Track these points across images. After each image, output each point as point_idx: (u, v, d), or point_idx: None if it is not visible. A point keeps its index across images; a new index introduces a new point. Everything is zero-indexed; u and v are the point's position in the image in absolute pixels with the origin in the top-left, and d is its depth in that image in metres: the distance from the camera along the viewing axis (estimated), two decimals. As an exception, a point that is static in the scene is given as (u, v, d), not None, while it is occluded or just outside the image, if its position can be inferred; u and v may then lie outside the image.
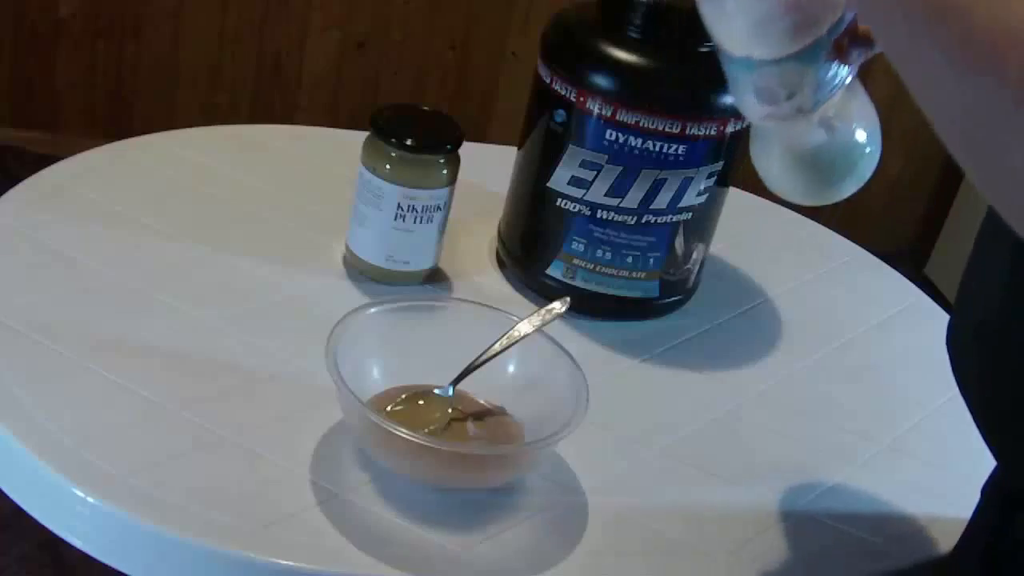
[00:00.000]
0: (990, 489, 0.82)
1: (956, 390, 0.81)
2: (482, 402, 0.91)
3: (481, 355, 0.90)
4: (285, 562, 0.78)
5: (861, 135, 0.89)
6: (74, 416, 0.86)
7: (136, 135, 1.26)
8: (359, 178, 1.05)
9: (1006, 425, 0.77)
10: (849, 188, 0.91)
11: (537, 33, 1.09)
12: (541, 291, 1.10)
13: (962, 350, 0.80)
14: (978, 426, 0.78)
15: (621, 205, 1.04)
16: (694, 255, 1.10)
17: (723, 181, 1.08)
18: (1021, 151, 0.51)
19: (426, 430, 0.86)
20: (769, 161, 0.91)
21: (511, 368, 0.92)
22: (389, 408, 0.88)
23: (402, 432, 0.80)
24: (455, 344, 0.92)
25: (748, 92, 0.85)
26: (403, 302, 0.95)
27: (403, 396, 0.90)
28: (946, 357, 0.84)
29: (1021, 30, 0.49)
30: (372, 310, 0.92)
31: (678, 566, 0.86)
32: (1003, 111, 0.50)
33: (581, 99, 1.02)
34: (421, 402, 0.90)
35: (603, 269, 1.07)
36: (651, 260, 1.08)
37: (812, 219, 1.41)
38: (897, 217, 3.12)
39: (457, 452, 0.84)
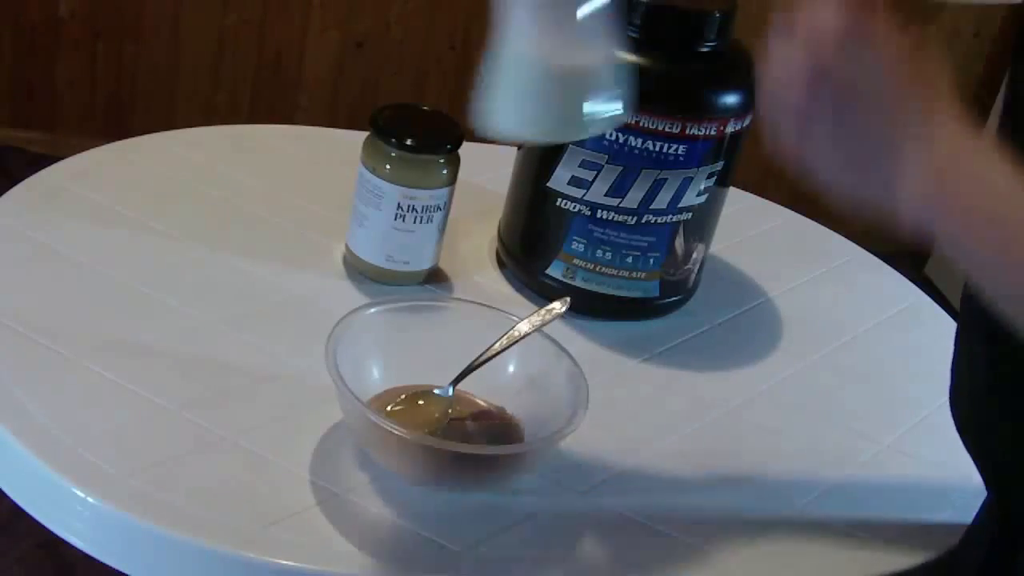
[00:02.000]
0: (985, 512, 0.83)
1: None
2: (482, 402, 0.91)
3: (481, 355, 0.90)
4: (285, 562, 0.78)
5: (608, 72, 0.84)
6: (74, 416, 0.86)
7: (136, 135, 1.26)
8: (359, 178, 1.05)
9: (1007, 476, 0.79)
10: (580, 128, 0.86)
11: (537, 33, 1.08)
12: (541, 291, 1.10)
13: (960, 414, 0.82)
14: (979, 469, 0.81)
15: (621, 205, 1.04)
16: (694, 255, 1.10)
17: (723, 181, 1.08)
18: None
19: (426, 430, 0.86)
20: (513, 78, 0.84)
21: (511, 368, 0.92)
22: (389, 408, 0.88)
23: (402, 432, 0.80)
24: (455, 344, 0.92)
25: None
26: (403, 302, 0.95)
27: (403, 396, 0.90)
28: (945, 357, 0.84)
29: None
30: (372, 310, 0.92)
31: (678, 566, 0.86)
32: None
33: (581, 99, 1.02)
34: (421, 402, 0.90)
35: (603, 269, 1.07)
36: (651, 260, 1.08)
37: (812, 219, 1.41)
38: (897, 217, 3.12)
39: (457, 452, 0.84)
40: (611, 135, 1.01)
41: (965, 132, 0.64)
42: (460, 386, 0.90)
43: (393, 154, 1.03)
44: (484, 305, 0.96)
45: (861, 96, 0.65)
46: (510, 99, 0.84)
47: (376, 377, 0.90)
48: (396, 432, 0.80)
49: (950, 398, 0.84)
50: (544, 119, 0.85)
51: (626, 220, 1.05)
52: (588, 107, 0.84)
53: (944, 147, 0.63)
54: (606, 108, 0.85)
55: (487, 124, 0.83)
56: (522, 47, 0.84)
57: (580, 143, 1.03)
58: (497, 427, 0.90)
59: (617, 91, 0.85)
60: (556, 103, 0.84)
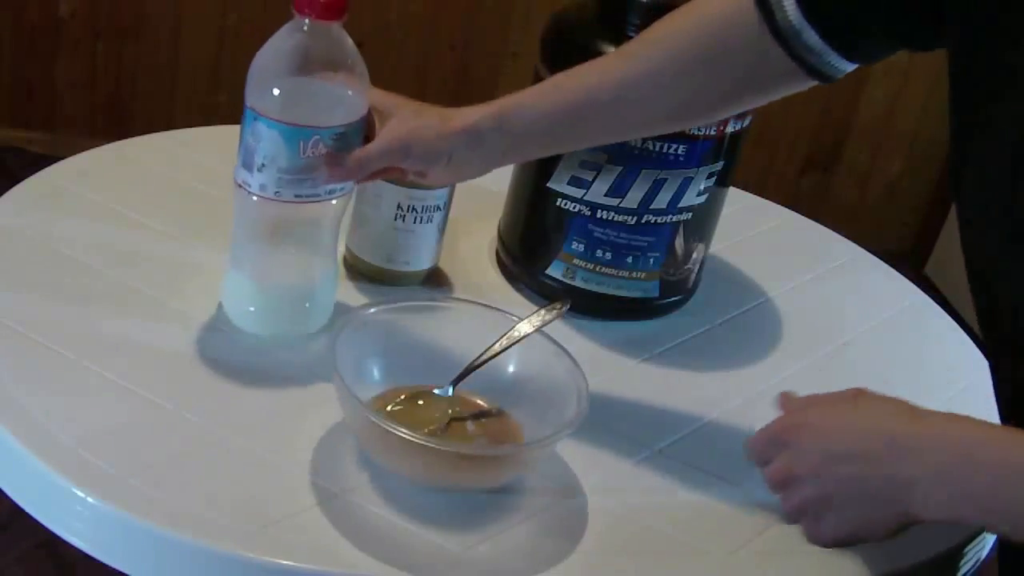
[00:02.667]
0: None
1: (956, 390, 0.82)
2: (482, 402, 0.91)
3: (481, 355, 0.90)
4: (285, 562, 0.78)
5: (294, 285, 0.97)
6: (74, 416, 0.86)
7: (136, 135, 1.26)
8: (359, 178, 1.05)
9: None
10: (299, 328, 0.98)
11: (537, 33, 1.09)
12: (541, 291, 1.10)
13: None
14: None
15: (621, 205, 1.04)
16: (694, 255, 1.10)
17: (723, 181, 1.08)
18: None
19: (426, 430, 0.86)
20: (239, 287, 0.97)
21: (511, 368, 0.92)
22: (389, 408, 0.88)
23: (402, 432, 0.80)
24: (455, 344, 0.92)
25: (240, 145, 0.92)
26: (403, 302, 0.95)
27: (403, 396, 0.90)
28: (945, 356, 0.84)
29: None
30: (372, 310, 0.92)
31: (678, 566, 0.86)
32: None
33: (581, 99, 1.02)
34: (421, 402, 0.90)
35: (603, 269, 1.07)
36: (651, 260, 1.08)
37: (812, 219, 1.41)
38: (897, 217, 3.12)
39: (457, 452, 0.84)
40: (611, 135, 1.01)
41: (947, 427, 0.70)
42: (460, 386, 0.91)
43: (393, 154, 1.03)
44: (484, 305, 0.96)
45: (836, 463, 0.74)
46: (240, 300, 0.97)
47: (376, 377, 0.90)
48: (397, 432, 0.80)
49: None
50: (265, 324, 0.97)
51: (626, 220, 1.05)
52: (301, 318, 0.98)
53: (936, 452, 0.69)
54: (320, 317, 0.99)
55: (224, 305, 0.98)
56: (246, 261, 0.96)
57: (580, 143, 1.03)
58: (497, 427, 0.90)
59: (329, 296, 0.98)
60: (275, 314, 0.97)
